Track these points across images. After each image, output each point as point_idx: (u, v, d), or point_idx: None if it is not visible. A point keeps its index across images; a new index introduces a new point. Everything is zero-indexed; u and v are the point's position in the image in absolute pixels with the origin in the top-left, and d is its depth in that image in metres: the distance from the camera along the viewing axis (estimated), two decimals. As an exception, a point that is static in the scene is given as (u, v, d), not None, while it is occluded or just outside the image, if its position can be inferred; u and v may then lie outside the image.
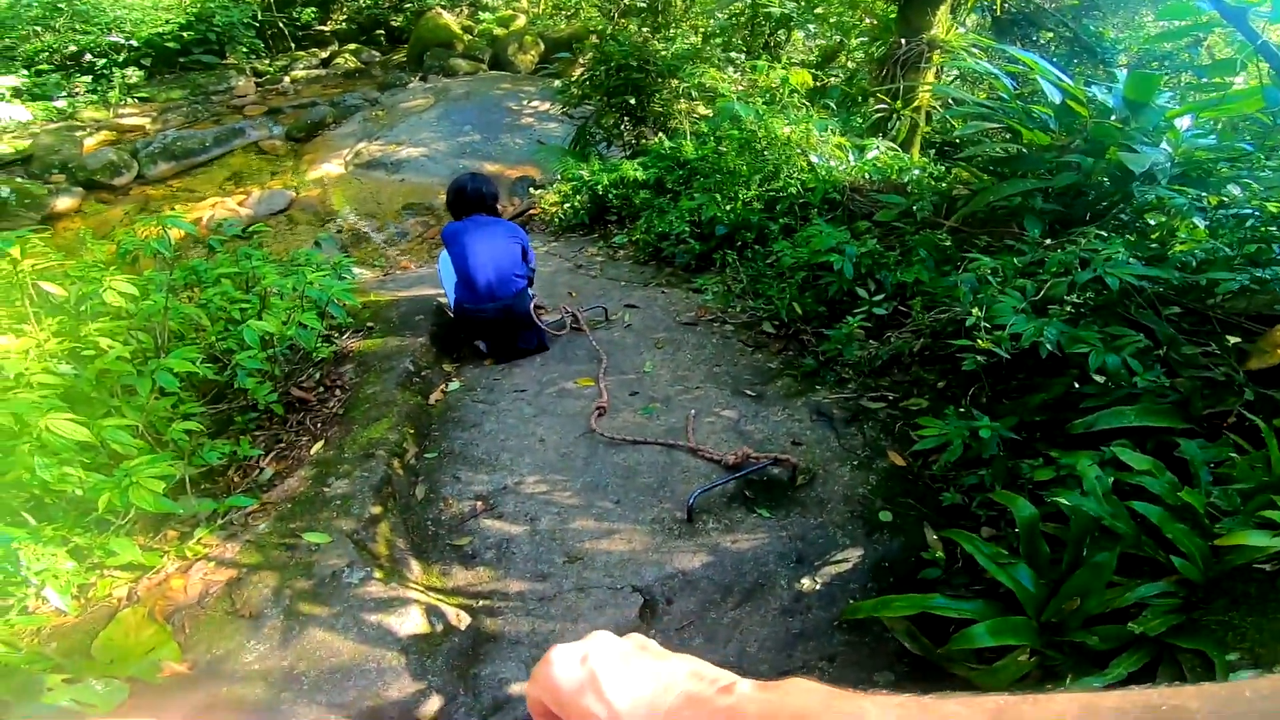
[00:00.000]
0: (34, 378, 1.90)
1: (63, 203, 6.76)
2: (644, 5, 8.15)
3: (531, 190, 5.93)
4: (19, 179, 6.75)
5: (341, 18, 12.46)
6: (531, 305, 3.21)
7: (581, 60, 8.04)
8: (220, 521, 2.07)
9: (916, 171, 4.14)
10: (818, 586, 1.97)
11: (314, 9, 11.90)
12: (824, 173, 4.04)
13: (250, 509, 2.10)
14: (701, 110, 6.07)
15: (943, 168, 4.32)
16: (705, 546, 2.09)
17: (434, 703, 1.62)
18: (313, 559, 1.91)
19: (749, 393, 2.81)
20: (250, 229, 3.47)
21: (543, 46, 10.83)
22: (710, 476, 2.34)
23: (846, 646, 1.82)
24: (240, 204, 6.92)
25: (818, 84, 6.12)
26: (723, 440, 2.52)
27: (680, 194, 4.49)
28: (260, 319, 2.54)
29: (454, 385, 3.04)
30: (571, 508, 2.27)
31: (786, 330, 3.20)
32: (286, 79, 10.39)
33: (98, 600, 1.82)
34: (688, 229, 4.11)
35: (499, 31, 11.20)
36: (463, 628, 1.83)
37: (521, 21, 11.39)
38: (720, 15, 8.06)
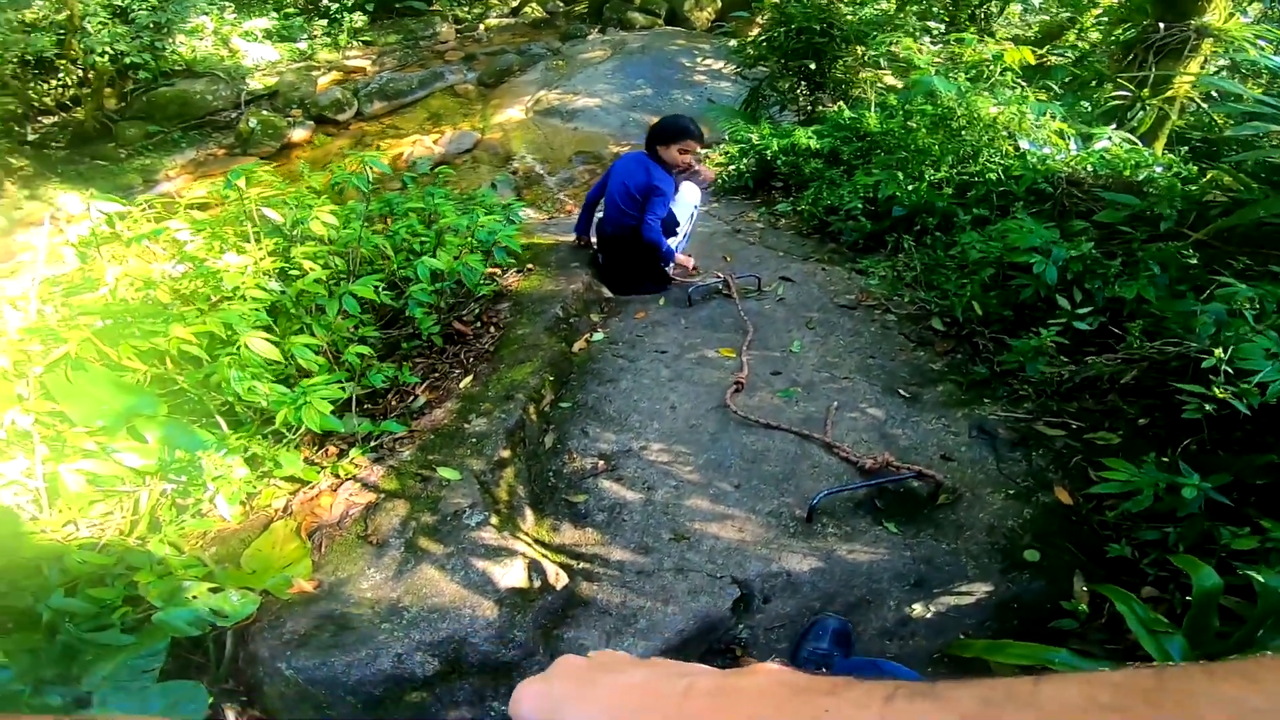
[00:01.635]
0: (247, 291, 2.20)
1: (297, 134, 7.82)
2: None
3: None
4: (264, 112, 7.86)
5: (532, -33, 12.85)
6: (652, 240, 3.27)
7: (759, 20, 7.66)
8: (373, 443, 2.25)
9: (1159, 169, 3.45)
10: (929, 615, 1.80)
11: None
12: (1035, 160, 3.51)
13: (399, 435, 2.27)
14: (889, 80, 5.54)
15: (1194, 169, 3.56)
16: (818, 551, 1.96)
17: (512, 656, 1.66)
18: (440, 494, 2.01)
19: (902, 393, 2.57)
20: (437, 168, 3.75)
21: (719, 3, 10.53)
22: (842, 477, 2.18)
23: (937, 683, 1.65)
24: (435, 142, 7.57)
25: (1038, 63, 5.34)
26: (863, 440, 2.33)
27: (856, 167, 4.15)
28: (435, 255, 2.74)
29: (598, 336, 3.09)
30: (690, 483, 2.23)
31: (959, 330, 2.86)
32: (481, 27, 11.08)
33: (259, 509, 1.95)
34: (860, 205, 3.80)
35: (678, -15, 10.97)
36: (558, 588, 1.85)
37: (702, -25, 11.06)
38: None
